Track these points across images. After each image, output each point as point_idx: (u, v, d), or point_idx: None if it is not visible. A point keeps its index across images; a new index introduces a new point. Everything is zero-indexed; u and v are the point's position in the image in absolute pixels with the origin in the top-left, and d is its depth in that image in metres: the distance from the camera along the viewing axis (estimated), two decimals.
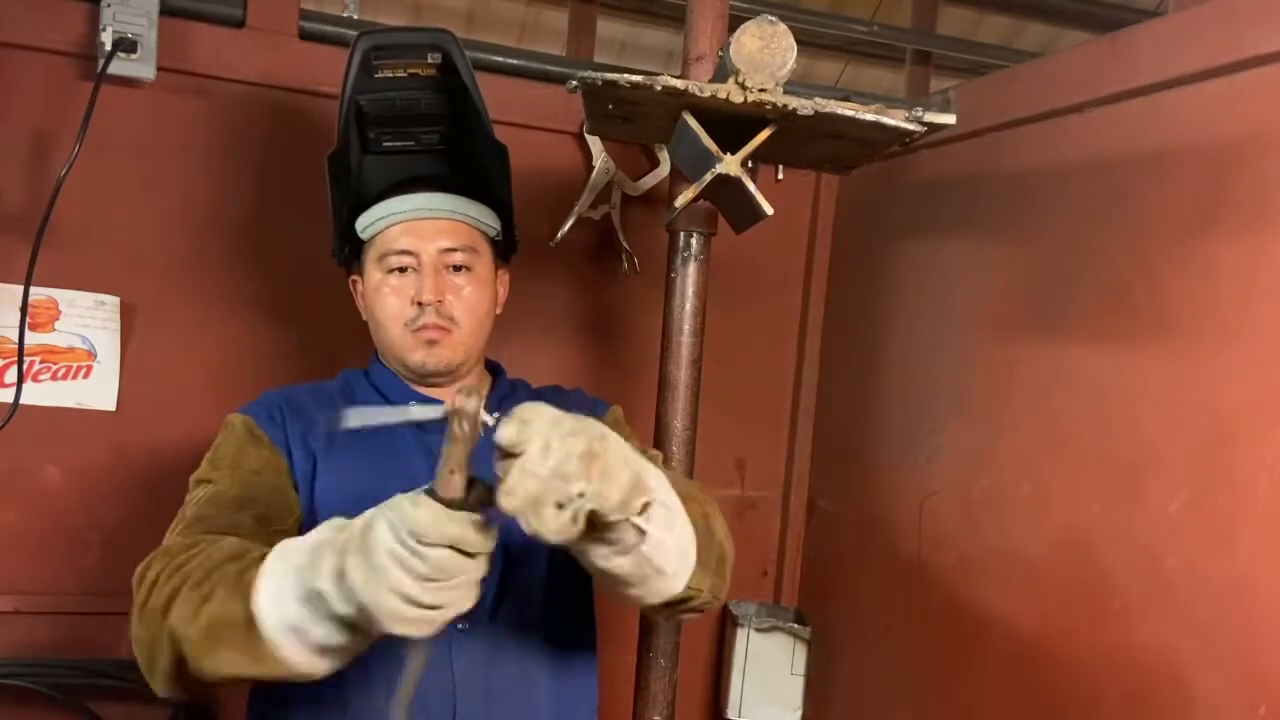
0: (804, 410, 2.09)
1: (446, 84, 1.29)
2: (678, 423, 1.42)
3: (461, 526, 0.81)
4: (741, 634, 2.01)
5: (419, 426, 1.12)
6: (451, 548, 0.81)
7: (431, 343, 1.24)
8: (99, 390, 1.62)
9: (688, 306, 1.41)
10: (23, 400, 1.51)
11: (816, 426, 2.09)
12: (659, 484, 0.93)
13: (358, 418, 0.90)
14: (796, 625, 2.01)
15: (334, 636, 0.88)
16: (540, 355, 1.90)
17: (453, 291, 1.25)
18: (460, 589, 0.84)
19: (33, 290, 1.51)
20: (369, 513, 0.86)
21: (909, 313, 1.77)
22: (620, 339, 1.99)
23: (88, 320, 1.61)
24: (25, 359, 1.52)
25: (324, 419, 1.17)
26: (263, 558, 0.92)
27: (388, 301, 1.25)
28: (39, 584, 1.63)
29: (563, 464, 0.80)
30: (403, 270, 1.24)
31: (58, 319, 1.60)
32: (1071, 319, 1.35)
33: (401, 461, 1.20)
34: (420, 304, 1.23)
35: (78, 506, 1.64)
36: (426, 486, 0.84)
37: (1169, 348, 1.19)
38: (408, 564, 0.81)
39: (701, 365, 1.43)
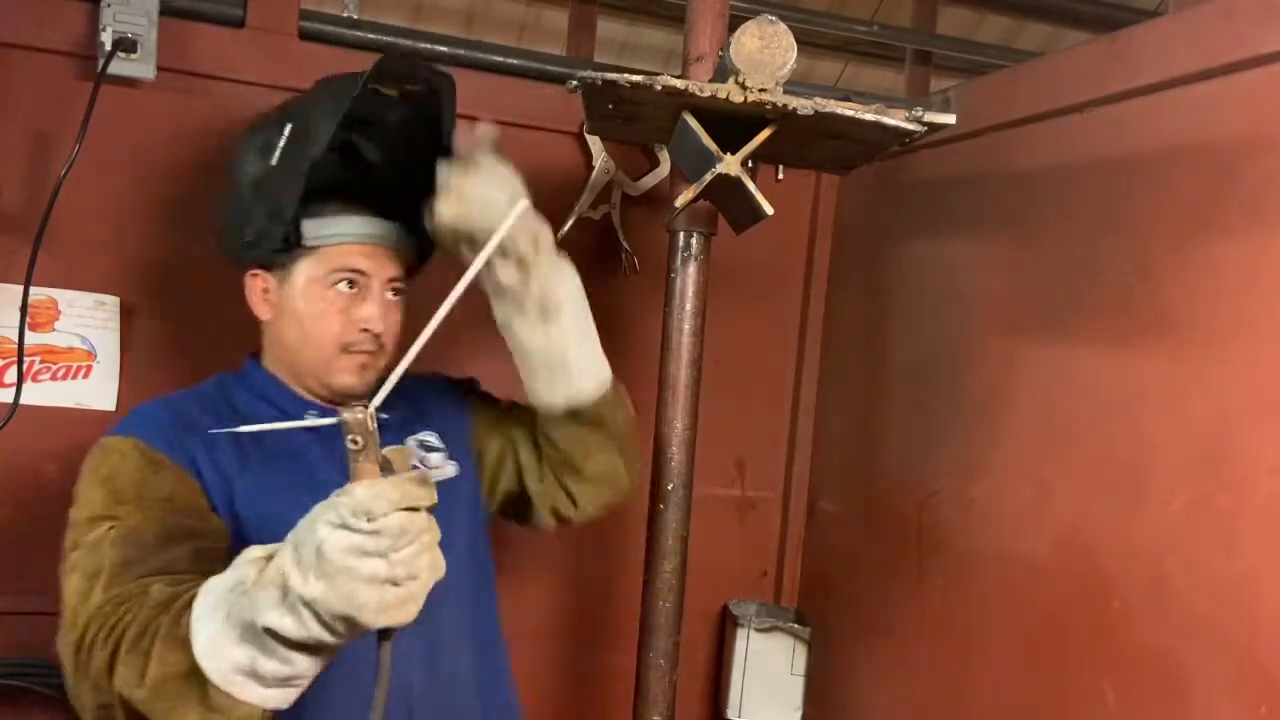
0: (804, 410, 2.09)
1: (429, 114, 1.27)
2: (678, 423, 1.42)
3: (401, 486, 0.83)
4: (741, 634, 2.01)
5: (315, 432, 1.16)
6: (402, 510, 0.83)
7: (364, 367, 1.24)
8: (99, 390, 1.62)
9: (688, 306, 1.41)
10: (23, 400, 1.51)
11: (816, 426, 2.09)
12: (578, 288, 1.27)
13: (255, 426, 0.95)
14: (796, 625, 2.01)
15: (289, 666, 0.86)
16: None
17: (392, 317, 1.25)
18: (426, 551, 0.84)
19: (33, 290, 1.51)
20: (291, 537, 0.86)
21: (909, 313, 1.77)
22: (620, 339, 1.98)
23: (88, 320, 1.61)
24: (25, 359, 1.52)
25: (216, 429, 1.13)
26: (190, 602, 0.90)
27: (329, 320, 1.21)
28: (39, 584, 1.63)
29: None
30: (350, 286, 1.22)
31: (58, 319, 1.60)
32: (1072, 319, 1.35)
33: (313, 472, 1.19)
34: (366, 330, 1.22)
35: None
36: (340, 490, 0.85)
37: (1169, 348, 1.19)
38: (369, 547, 0.81)
39: (701, 365, 1.43)
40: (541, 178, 1.87)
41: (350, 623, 0.83)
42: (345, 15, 2.10)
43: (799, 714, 2.02)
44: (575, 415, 1.30)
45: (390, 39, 1.79)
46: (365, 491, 0.82)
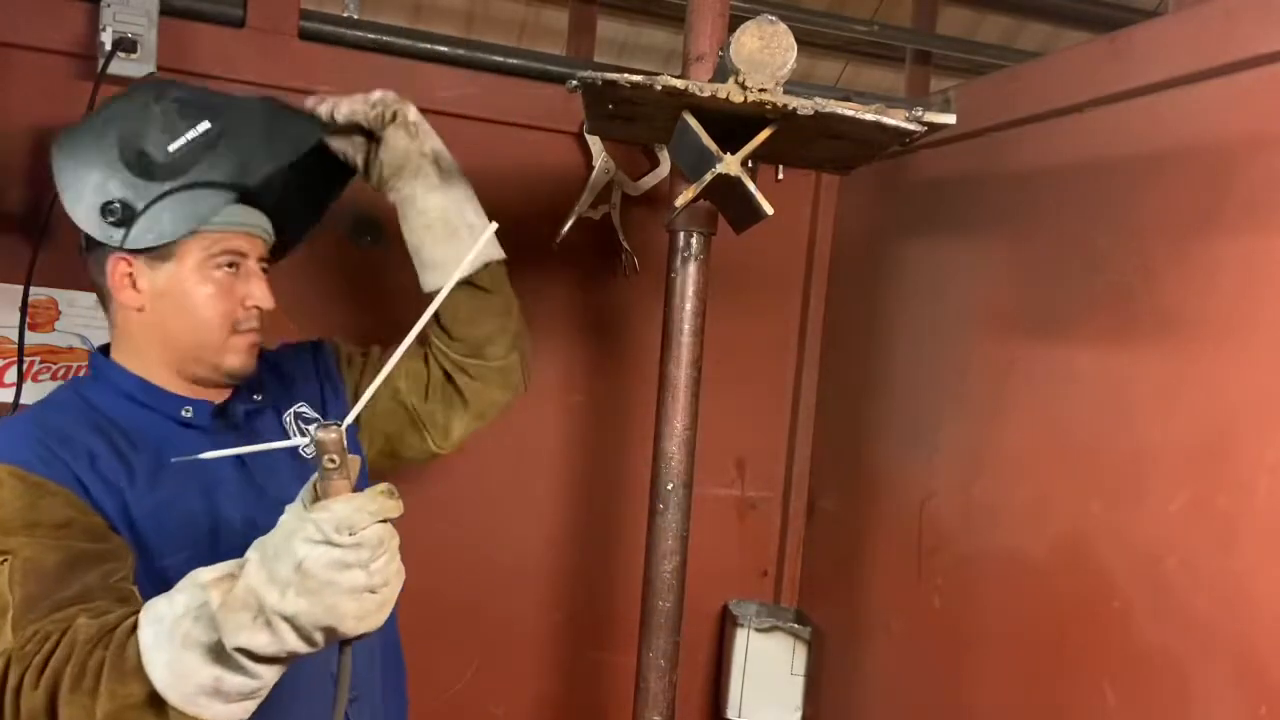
0: (804, 410, 2.09)
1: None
2: (678, 423, 1.42)
3: (377, 500, 0.87)
4: (741, 634, 2.01)
5: (199, 430, 1.18)
6: (378, 522, 0.87)
7: (252, 345, 1.22)
8: None
9: (688, 306, 1.41)
10: (23, 400, 1.51)
11: (816, 426, 2.09)
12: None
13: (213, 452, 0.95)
14: (796, 625, 2.01)
15: (256, 680, 0.89)
16: (540, 355, 1.90)
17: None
18: (395, 560, 0.89)
19: (33, 290, 1.51)
20: (255, 554, 0.87)
21: (909, 312, 1.77)
22: (620, 339, 1.99)
23: (88, 320, 1.61)
24: (25, 359, 1.52)
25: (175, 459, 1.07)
26: (133, 630, 0.90)
27: (214, 301, 1.17)
28: None
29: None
30: (232, 266, 1.19)
31: (58, 319, 1.60)
32: (1071, 319, 1.35)
33: (210, 473, 1.16)
34: (255, 308, 1.20)
35: None
36: (303, 501, 0.88)
37: (1169, 348, 1.19)
38: (350, 559, 0.85)
39: (701, 365, 1.43)
40: (541, 178, 1.88)
41: (330, 632, 0.87)
42: (345, 15, 2.10)
43: (799, 714, 2.02)
44: (474, 287, 1.36)
45: (390, 39, 1.79)
46: (346, 507, 0.86)
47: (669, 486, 1.41)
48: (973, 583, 1.52)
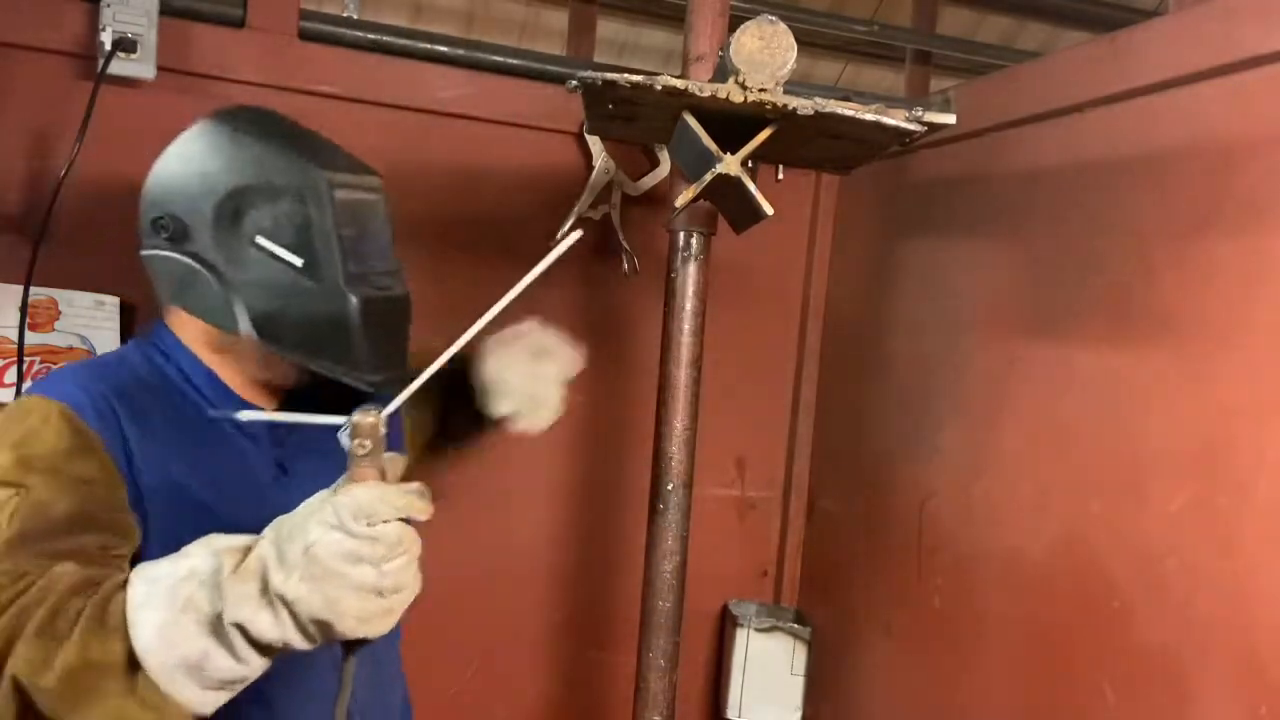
0: (804, 410, 2.09)
1: None
2: (678, 423, 1.42)
3: (405, 495, 0.82)
4: (741, 634, 2.01)
5: (247, 433, 1.13)
6: (400, 520, 0.82)
7: None
8: None
9: (688, 306, 1.41)
10: None
11: (816, 426, 2.09)
12: None
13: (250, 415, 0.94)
14: (796, 625, 2.01)
15: (242, 666, 0.81)
16: None
17: None
18: (411, 566, 0.83)
19: (33, 290, 1.51)
20: (271, 532, 0.83)
21: (909, 313, 1.77)
22: (620, 339, 1.99)
23: (88, 320, 1.61)
24: (25, 359, 1.52)
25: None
26: (122, 585, 0.83)
27: None
28: None
29: None
30: None
31: (58, 319, 1.60)
32: (1071, 319, 1.35)
33: (251, 475, 1.13)
34: None
35: None
36: (332, 489, 0.83)
37: (1169, 348, 1.19)
38: (363, 554, 0.79)
39: (701, 365, 1.43)
40: (541, 178, 1.88)
41: (326, 629, 0.80)
42: (345, 15, 2.10)
43: (799, 714, 2.01)
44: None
45: (390, 39, 1.79)
46: (368, 494, 0.80)
47: (669, 486, 1.42)
48: (973, 582, 1.52)
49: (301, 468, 1.15)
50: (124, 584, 0.84)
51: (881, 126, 1.13)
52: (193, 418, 1.10)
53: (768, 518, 2.13)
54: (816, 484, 2.08)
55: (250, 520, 0.91)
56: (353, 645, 0.85)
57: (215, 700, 0.83)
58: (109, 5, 1.51)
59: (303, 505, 0.83)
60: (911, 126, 1.14)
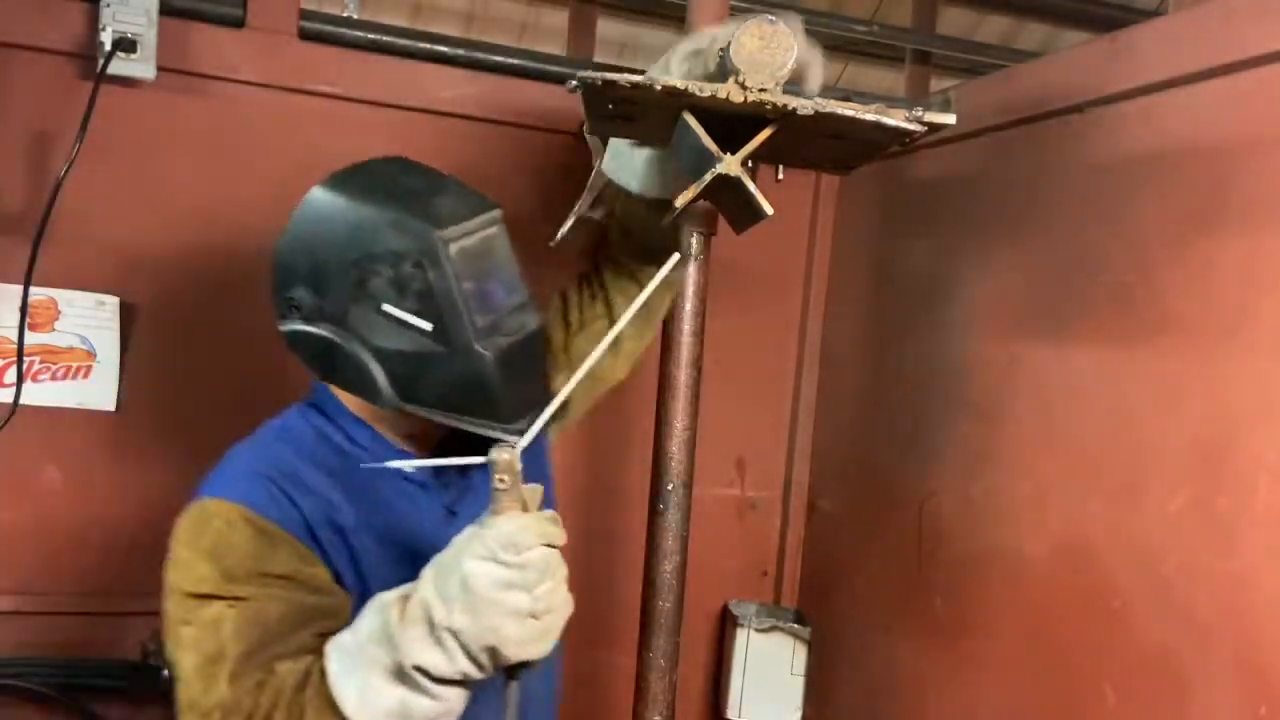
0: (804, 410, 2.09)
1: None
2: (678, 423, 1.42)
3: (547, 522, 0.89)
4: (741, 634, 2.01)
5: (416, 482, 1.16)
6: (544, 545, 0.88)
7: None
8: (99, 390, 1.62)
9: (688, 306, 1.41)
10: (22, 400, 1.51)
11: (816, 426, 2.09)
12: None
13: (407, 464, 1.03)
14: (796, 625, 2.01)
15: (441, 702, 0.89)
16: None
17: None
18: (561, 589, 0.89)
19: (33, 290, 1.51)
20: (429, 572, 0.89)
21: (909, 312, 1.77)
22: None
23: (88, 320, 1.61)
24: (25, 359, 1.52)
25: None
26: (322, 670, 0.92)
27: None
28: (39, 584, 1.63)
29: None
30: None
31: (57, 319, 1.60)
32: (1071, 319, 1.35)
33: (420, 519, 1.16)
34: None
35: (78, 506, 1.64)
36: (480, 523, 0.89)
37: (1169, 348, 1.19)
38: (515, 581, 0.85)
39: (701, 365, 1.43)
40: (541, 178, 1.88)
41: (494, 654, 0.87)
42: (345, 15, 2.10)
43: (799, 714, 2.01)
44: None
45: (390, 39, 1.79)
46: (511, 524, 0.87)
47: (669, 486, 1.42)
48: (973, 582, 1.52)
49: (466, 510, 1.18)
50: (324, 660, 0.92)
51: (881, 126, 1.13)
52: (365, 473, 1.13)
53: (768, 518, 2.13)
54: (816, 484, 2.08)
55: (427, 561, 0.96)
56: (515, 670, 0.91)
57: None
58: (109, 5, 1.51)
59: (453, 543, 0.90)
60: (911, 126, 1.14)
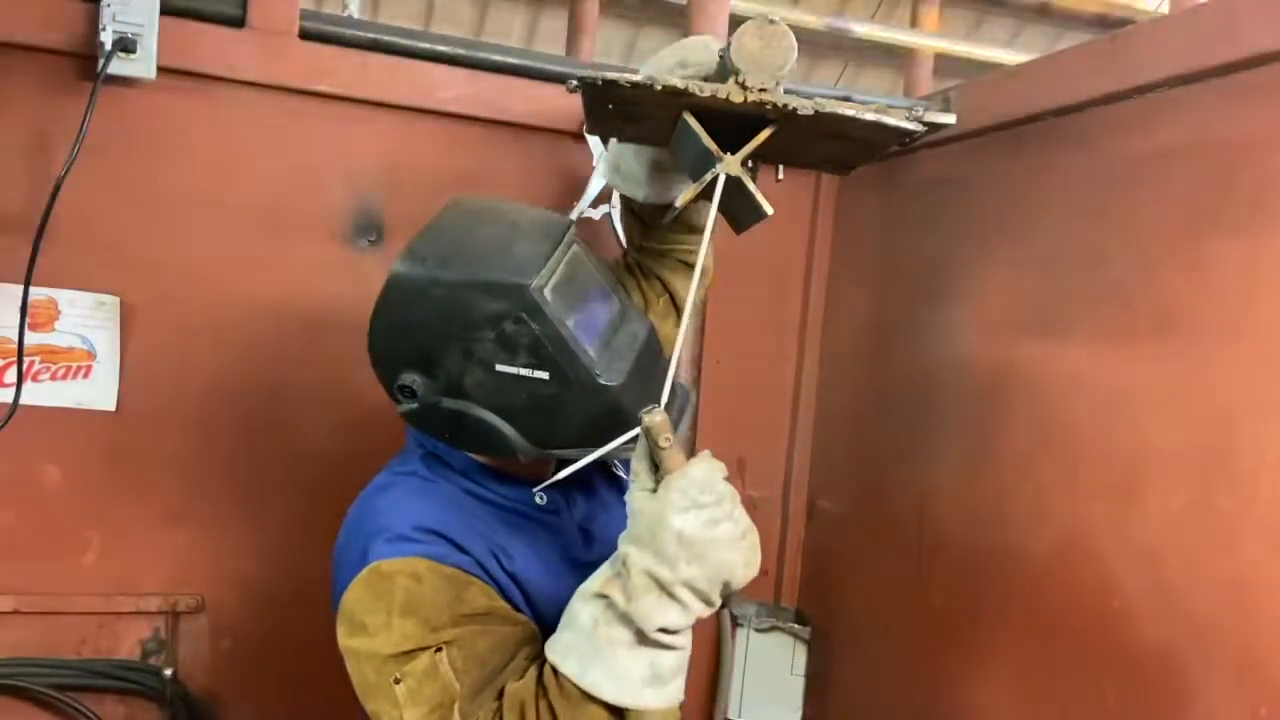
0: (804, 410, 2.09)
1: None
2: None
3: (711, 458, 0.95)
4: (741, 634, 2.01)
5: (551, 511, 1.22)
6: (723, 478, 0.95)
7: None
8: (99, 390, 1.62)
9: (687, 306, 1.40)
10: (22, 400, 1.51)
11: (816, 426, 2.09)
12: None
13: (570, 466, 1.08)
14: (796, 625, 2.01)
15: (680, 653, 0.96)
16: None
17: None
18: (745, 514, 0.96)
19: (33, 290, 1.51)
20: (627, 547, 0.95)
21: (909, 312, 1.77)
22: None
23: (88, 320, 1.61)
24: (25, 359, 1.52)
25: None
26: (554, 671, 0.96)
27: None
28: (39, 584, 1.63)
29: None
30: None
31: (57, 319, 1.60)
32: (1071, 319, 1.35)
33: (567, 545, 1.21)
34: None
35: (78, 507, 1.64)
36: (645, 490, 0.96)
37: (1169, 348, 1.19)
38: (719, 515, 0.92)
39: (701, 365, 1.43)
40: (541, 178, 1.88)
41: (726, 587, 0.94)
42: (345, 15, 2.09)
43: (799, 714, 2.01)
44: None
45: (390, 38, 1.79)
46: (696, 470, 0.93)
47: None
48: (973, 582, 1.52)
49: (600, 528, 1.23)
50: (552, 667, 0.97)
51: (882, 126, 1.13)
52: (510, 515, 1.17)
53: (768, 518, 2.13)
54: (816, 484, 2.08)
55: (581, 583, 1.01)
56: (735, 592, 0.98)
57: (678, 688, 0.98)
58: (109, 5, 1.51)
59: (636, 514, 0.95)
60: (911, 126, 1.14)
